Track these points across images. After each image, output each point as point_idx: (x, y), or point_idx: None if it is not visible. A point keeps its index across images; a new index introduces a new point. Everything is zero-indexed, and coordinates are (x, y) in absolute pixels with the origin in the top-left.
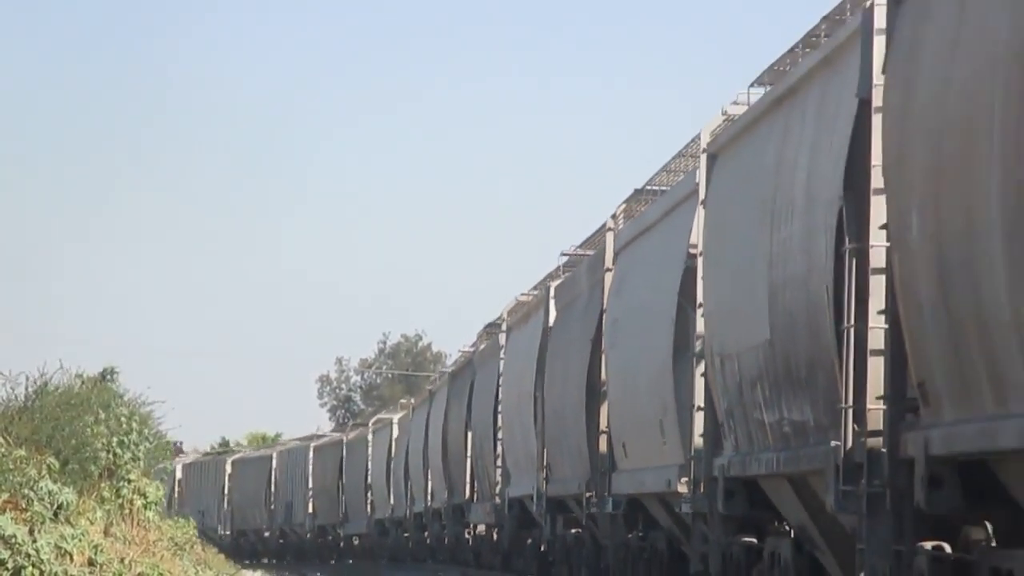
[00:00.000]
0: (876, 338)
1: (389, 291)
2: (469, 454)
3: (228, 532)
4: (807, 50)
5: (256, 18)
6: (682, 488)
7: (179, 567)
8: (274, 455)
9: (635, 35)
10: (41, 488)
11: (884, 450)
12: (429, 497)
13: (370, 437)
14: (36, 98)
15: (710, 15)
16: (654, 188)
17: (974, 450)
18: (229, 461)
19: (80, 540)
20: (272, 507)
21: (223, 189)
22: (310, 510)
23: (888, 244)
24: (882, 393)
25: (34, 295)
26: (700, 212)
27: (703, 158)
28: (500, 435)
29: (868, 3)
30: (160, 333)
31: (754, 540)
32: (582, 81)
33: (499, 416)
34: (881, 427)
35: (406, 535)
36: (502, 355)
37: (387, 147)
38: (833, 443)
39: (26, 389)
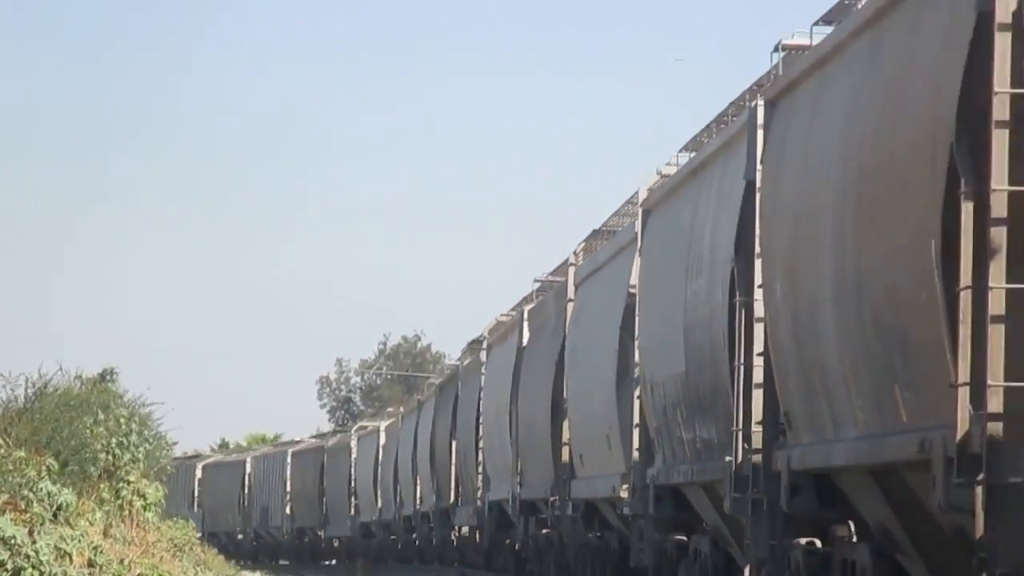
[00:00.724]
0: (758, 374)
1: (389, 292)
2: (454, 461)
3: (199, 534)
4: (722, 125)
5: (256, 19)
6: (624, 493)
7: (178, 568)
8: (248, 460)
9: (635, 43)
10: (41, 489)
11: (761, 465)
12: (418, 501)
13: (353, 443)
14: (37, 98)
15: (709, 18)
16: (608, 229)
17: (820, 466)
18: (199, 466)
19: (80, 541)
20: (246, 510)
21: (223, 189)
22: (288, 512)
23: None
24: (760, 419)
25: (34, 295)
26: (637, 258)
27: (640, 212)
28: (481, 444)
29: (754, 103)
30: (160, 333)
31: (683, 538)
32: (590, 83)
33: (480, 426)
34: (761, 446)
35: (393, 537)
36: (483, 370)
37: (387, 148)
38: (727, 459)
39: (26, 390)
